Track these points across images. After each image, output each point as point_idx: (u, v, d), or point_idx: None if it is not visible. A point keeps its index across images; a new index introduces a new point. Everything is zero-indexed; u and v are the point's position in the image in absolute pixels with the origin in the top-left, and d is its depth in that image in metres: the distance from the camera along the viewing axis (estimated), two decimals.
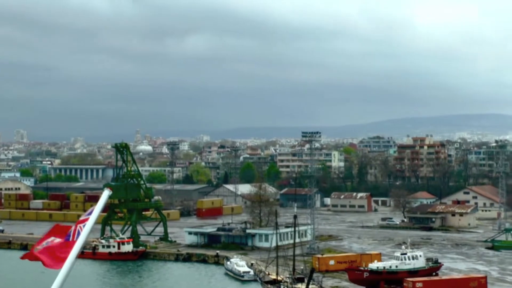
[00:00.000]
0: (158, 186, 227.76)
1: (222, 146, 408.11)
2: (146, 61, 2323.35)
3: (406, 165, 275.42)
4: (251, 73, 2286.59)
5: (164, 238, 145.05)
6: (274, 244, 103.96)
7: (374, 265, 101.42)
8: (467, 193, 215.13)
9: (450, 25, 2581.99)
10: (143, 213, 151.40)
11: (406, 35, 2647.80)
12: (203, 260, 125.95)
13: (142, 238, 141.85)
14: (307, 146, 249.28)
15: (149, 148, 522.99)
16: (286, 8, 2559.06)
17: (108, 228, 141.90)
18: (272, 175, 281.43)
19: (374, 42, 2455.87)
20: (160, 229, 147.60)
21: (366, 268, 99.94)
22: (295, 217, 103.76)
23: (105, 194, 14.60)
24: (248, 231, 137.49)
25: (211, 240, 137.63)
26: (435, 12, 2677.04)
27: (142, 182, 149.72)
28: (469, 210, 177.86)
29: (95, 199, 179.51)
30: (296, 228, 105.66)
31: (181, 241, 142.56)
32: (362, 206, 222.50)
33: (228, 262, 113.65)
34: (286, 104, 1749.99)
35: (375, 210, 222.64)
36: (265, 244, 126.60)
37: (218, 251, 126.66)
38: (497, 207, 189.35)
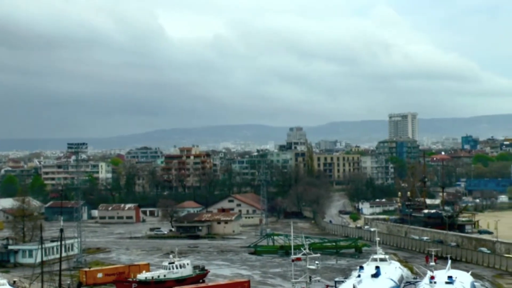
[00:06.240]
0: None
1: None
2: None
3: (174, 175, 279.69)
4: (8, 83, 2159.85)
5: None
6: (38, 260, 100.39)
7: (143, 275, 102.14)
8: (232, 201, 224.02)
9: (202, 39, 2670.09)
10: None
11: (161, 47, 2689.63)
12: None
13: None
14: (73, 157, 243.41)
15: None
16: (37, 16, 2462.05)
17: None
18: (36, 188, 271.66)
19: (132, 53, 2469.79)
20: None
21: (134, 279, 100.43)
22: (61, 230, 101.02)
23: None
24: (10, 247, 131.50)
25: None
26: (185, 25, 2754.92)
27: None
28: (233, 218, 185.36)
29: None
30: (63, 242, 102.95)
31: None
32: (131, 217, 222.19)
33: None
34: (49, 115, 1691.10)
35: (144, 220, 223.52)
36: (29, 260, 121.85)
37: None
38: (259, 213, 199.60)
